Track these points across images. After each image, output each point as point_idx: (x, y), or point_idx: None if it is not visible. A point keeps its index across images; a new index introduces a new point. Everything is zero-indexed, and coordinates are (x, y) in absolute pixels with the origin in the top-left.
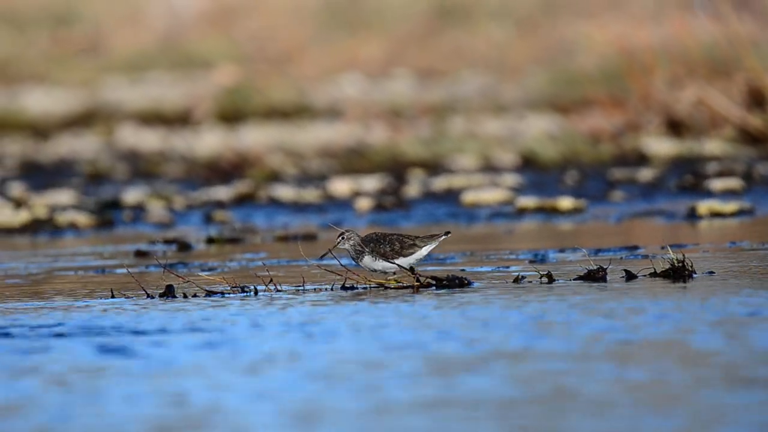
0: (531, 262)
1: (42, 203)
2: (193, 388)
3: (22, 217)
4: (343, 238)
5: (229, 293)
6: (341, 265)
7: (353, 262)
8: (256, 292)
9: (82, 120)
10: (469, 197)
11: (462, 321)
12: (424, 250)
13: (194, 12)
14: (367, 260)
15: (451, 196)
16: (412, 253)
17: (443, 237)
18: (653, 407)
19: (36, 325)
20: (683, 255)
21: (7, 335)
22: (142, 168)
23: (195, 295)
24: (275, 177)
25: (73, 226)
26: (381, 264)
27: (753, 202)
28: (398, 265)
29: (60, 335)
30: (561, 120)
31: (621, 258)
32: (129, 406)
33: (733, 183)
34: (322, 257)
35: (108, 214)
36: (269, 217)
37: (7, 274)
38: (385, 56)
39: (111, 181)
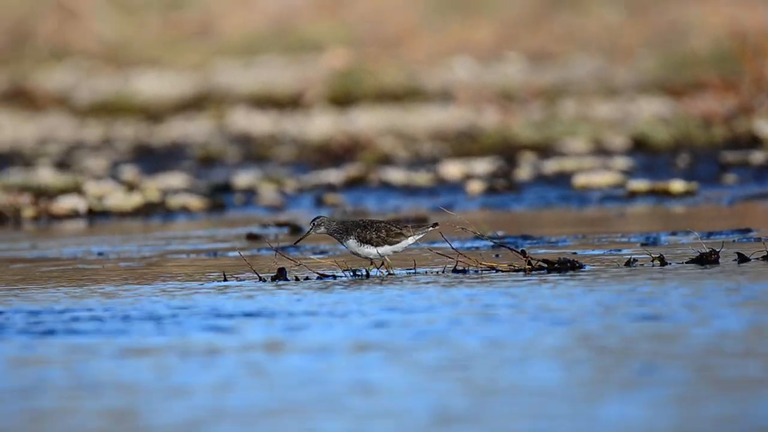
0: (643, 245)
1: (154, 187)
2: (329, 368)
3: (134, 200)
4: (314, 224)
5: (340, 276)
6: (453, 248)
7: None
8: (367, 275)
9: (194, 103)
10: (580, 180)
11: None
12: (410, 240)
13: None
14: (352, 244)
15: (562, 179)
16: (398, 242)
17: (430, 228)
18: None
19: (150, 308)
20: None
21: (126, 318)
22: (253, 151)
23: (307, 278)
24: (386, 160)
25: (185, 210)
26: (365, 250)
27: None
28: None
29: (175, 317)
30: (672, 103)
31: (733, 241)
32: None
33: None
34: (296, 243)
35: (219, 198)
36: (380, 200)
37: (120, 257)
38: (496, 39)
39: (222, 165)
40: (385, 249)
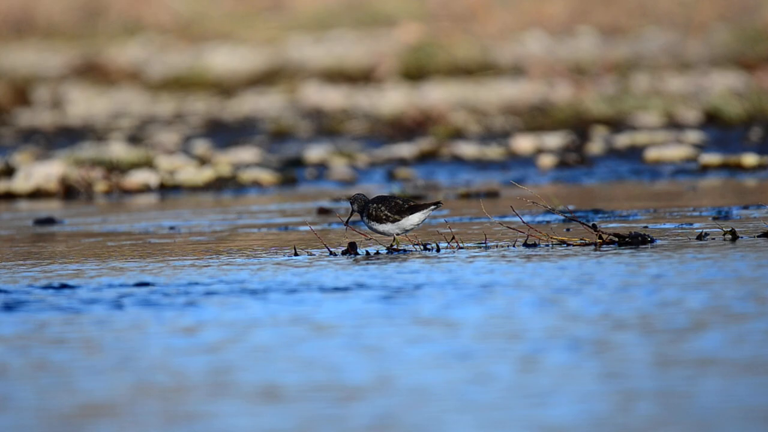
0: (714, 219)
1: (226, 161)
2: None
3: (206, 174)
4: (351, 200)
5: (411, 250)
6: (523, 222)
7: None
8: (438, 249)
9: (266, 78)
10: (652, 154)
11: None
12: (415, 218)
13: None
14: (365, 221)
15: (634, 153)
16: (399, 220)
17: (432, 207)
18: None
19: (231, 280)
20: None
21: (211, 293)
22: (325, 125)
23: (377, 253)
24: (458, 134)
25: (256, 184)
26: (377, 226)
27: None
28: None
29: (254, 291)
30: (745, 76)
31: None
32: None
33: None
34: (346, 223)
35: (291, 172)
36: (452, 174)
37: (192, 232)
38: (568, 13)
39: (294, 139)
40: (389, 226)
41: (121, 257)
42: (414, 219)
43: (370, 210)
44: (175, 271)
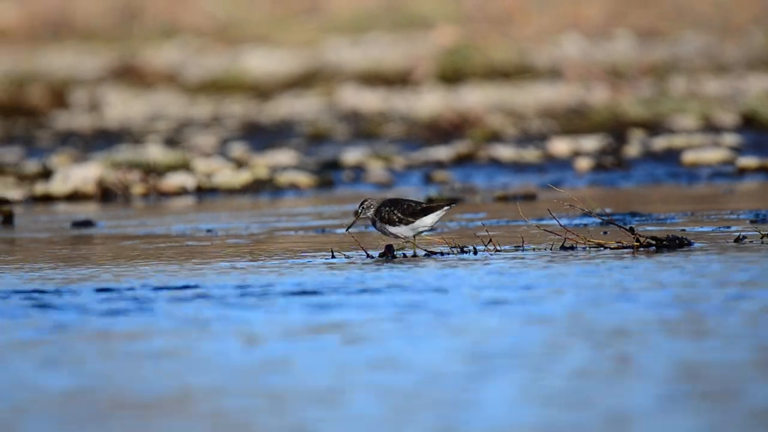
0: (752, 222)
1: (263, 163)
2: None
3: (243, 177)
4: (363, 207)
5: (448, 253)
6: (560, 225)
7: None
8: (475, 252)
9: (303, 81)
10: (689, 157)
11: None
12: (429, 220)
13: None
14: (378, 225)
15: (671, 155)
16: (412, 222)
17: (447, 207)
18: None
19: (264, 284)
20: None
21: (244, 294)
22: (362, 128)
23: (415, 255)
24: (495, 137)
25: (293, 186)
26: (392, 229)
27: None
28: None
29: (293, 293)
30: None
31: None
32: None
33: None
34: (348, 227)
35: (328, 175)
36: (489, 176)
37: (229, 234)
38: (605, 16)
39: (331, 142)
40: (402, 229)
41: (159, 259)
42: (427, 221)
43: (382, 213)
44: (215, 274)
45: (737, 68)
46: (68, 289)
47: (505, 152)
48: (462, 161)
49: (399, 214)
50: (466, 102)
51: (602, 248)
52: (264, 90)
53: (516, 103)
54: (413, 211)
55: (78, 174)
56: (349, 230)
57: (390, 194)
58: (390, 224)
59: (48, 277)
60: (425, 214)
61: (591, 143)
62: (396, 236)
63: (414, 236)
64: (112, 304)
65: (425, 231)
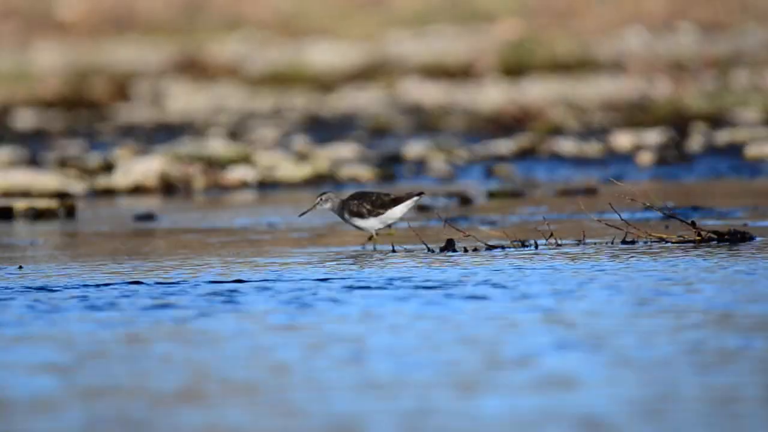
0: None
1: (324, 157)
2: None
3: (304, 171)
4: (321, 199)
5: (509, 247)
6: (622, 219)
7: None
8: (536, 246)
9: (365, 74)
10: (752, 151)
11: None
12: (398, 211)
13: None
14: (346, 216)
15: (733, 149)
16: (383, 213)
17: (416, 198)
18: None
19: (321, 278)
20: None
21: (322, 288)
22: (423, 121)
23: (475, 249)
24: (557, 130)
25: (354, 180)
26: (361, 222)
27: None
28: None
29: (361, 288)
30: None
31: None
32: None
33: None
34: (302, 215)
35: (389, 168)
36: (550, 170)
37: (290, 228)
38: (668, 9)
39: (393, 135)
40: (373, 221)
41: (221, 253)
42: (397, 212)
43: (351, 206)
44: (285, 267)
45: None
46: (190, 282)
47: (566, 146)
48: (523, 155)
49: (368, 207)
50: (528, 95)
51: (664, 242)
52: (326, 83)
53: (578, 97)
54: (382, 202)
55: (140, 167)
56: (302, 216)
57: (452, 188)
58: (359, 217)
59: (107, 270)
60: (395, 205)
61: (653, 137)
62: (363, 229)
63: (381, 228)
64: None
65: (393, 223)
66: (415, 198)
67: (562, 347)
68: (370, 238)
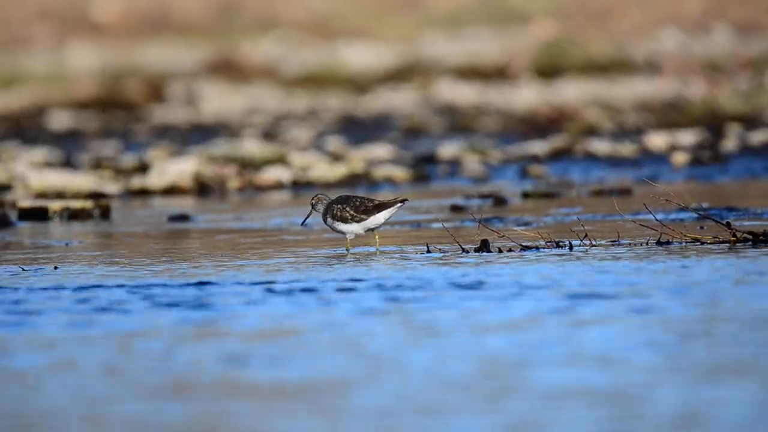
0: None
1: (359, 157)
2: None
3: (339, 171)
4: (315, 201)
5: (544, 248)
6: (656, 219)
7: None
8: (571, 247)
9: (400, 75)
10: None
11: None
12: (381, 217)
13: None
14: (329, 221)
15: None
16: (365, 219)
17: (399, 204)
18: None
19: (350, 278)
20: None
21: (349, 289)
22: (458, 122)
23: (510, 250)
24: (591, 131)
25: (389, 180)
26: (343, 227)
27: None
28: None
29: (380, 287)
30: None
31: None
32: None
33: None
34: (303, 222)
35: (424, 168)
36: (585, 171)
37: (324, 229)
38: (703, 10)
39: (427, 135)
40: (354, 227)
41: (257, 254)
42: (380, 218)
43: (334, 211)
44: (325, 267)
45: None
46: (231, 281)
47: (601, 146)
48: (558, 155)
49: (351, 212)
50: (562, 96)
51: (699, 243)
52: (361, 84)
53: (612, 97)
54: (366, 208)
55: (174, 168)
56: (304, 224)
57: (485, 188)
58: (342, 221)
59: (144, 269)
60: (378, 211)
61: (687, 137)
62: (343, 233)
63: (362, 234)
64: (247, 297)
65: (375, 228)
66: (399, 204)
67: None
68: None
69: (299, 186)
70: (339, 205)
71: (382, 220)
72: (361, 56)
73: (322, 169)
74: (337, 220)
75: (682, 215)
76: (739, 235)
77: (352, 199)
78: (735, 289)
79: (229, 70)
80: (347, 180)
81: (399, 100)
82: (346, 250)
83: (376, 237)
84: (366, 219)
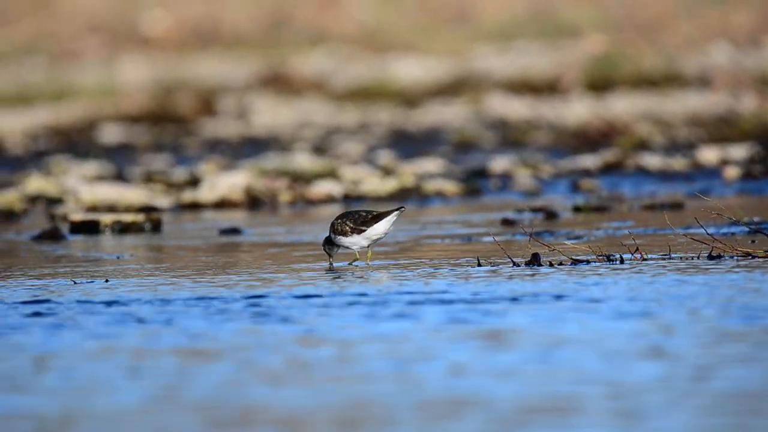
0: None
1: (410, 171)
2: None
3: (390, 185)
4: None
5: (594, 261)
6: (708, 234)
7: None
8: (622, 261)
9: (450, 88)
10: None
11: None
12: (380, 227)
13: None
14: (332, 237)
15: None
16: (364, 231)
17: (396, 213)
18: None
19: (404, 291)
20: None
21: (412, 303)
22: (509, 136)
23: (561, 264)
24: (642, 145)
25: (440, 194)
26: (345, 240)
27: None
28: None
29: (430, 301)
30: None
31: None
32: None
33: None
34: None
35: (475, 183)
36: (636, 185)
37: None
38: (755, 24)
39: (478, 150)
40: (357, 238)
41: (308, 266)
42: (379, 228)
43: (335, 227)
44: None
45: None
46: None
47: (652, 161)
48: (609, 169)
49: (351, 225)
50: (613, 110)
51: (750, 257)
52: (411, 97)
53: (664, 112)
54: (364, 220)
55: (225, 182)
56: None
57: (536, 202)
58: (343, 235)
59: (200, 283)
60: (376, 222)
61: (739, 152)
62: (349, 248)
63: (368, 246)
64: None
65: (379, 239)
66: (396, 213)
67: None
68: (355, 258)
69: (350, 200)
70: (339, 220)
71: (382, 230)
72: (411, 70)
73: (373, 183)
74: (340, 235)
75: (734, 229)
76: None
77: (351, 213)
78: None
79: (279, 83)
80: (398, 194)
81: (449, 114)
82: (366, 263)
83: (369, 253)
84: (365, 230)
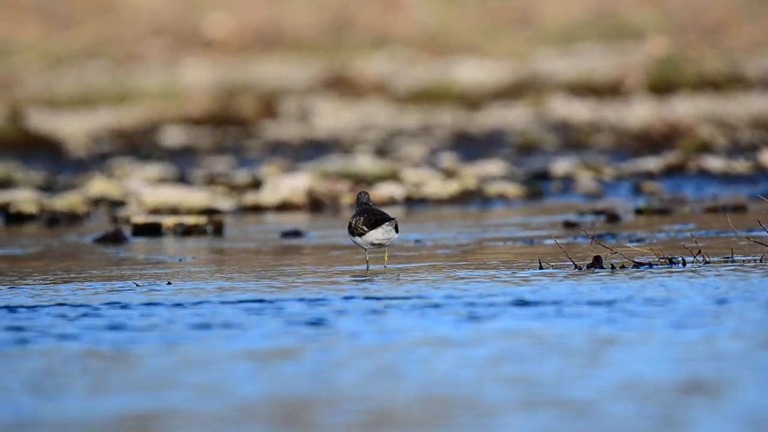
0: None
1: (472, 174)
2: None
3: (452, 187)
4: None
5: (656, 264)
6: None
7: None
8: (684, 263)
9: (512, 91)
10: None
11: None
12: (376, 233)
13: None
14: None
15: None
16: (365, 233)
17: (387, 223)
18: None
19: (466, 293)
20: None
21: (472, 304)
22: (571, 139)
23: (623, 267)
24: (705, 148)
25: (502, 197)
26: (356, 239)
27: None
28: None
29: (492, 304)
30: None
31: None
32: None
33: None
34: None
35: (537, 185)
36: (698, 188)
37: (437, 244)
38: None
39: (540, 152)
40: (358, 240)
41: (370, 269)
42: (376, 234)
43: (352, 223)
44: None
45: None
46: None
47: (714, 163)
48: (671, 172)
49: (362, 226)
50: (676, 113)
51: None
52: (473, 100)
53: (726, 114)
54: (368, 223)
55: (287, 184)
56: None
57: (599, 205)
58: (354, 233)
59: (254, 284)
60: (374, 228)
61: None
62: (359, 246)
63: (367, 248)
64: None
65: (381, 244)
66: (386, 223)
67: None
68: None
69: (412, 202)
70: (356, 218)
71: (375, 237)
72: (473, 72)
73: (435, 186)
74: (351, 232)
75: None
76: None
77: (371, 211)
78: None
79: (341, 86)
80: (460, 197)
81: (512, 117)
82: (384, 267)
83: (385, 256)
84: (364, 234)
